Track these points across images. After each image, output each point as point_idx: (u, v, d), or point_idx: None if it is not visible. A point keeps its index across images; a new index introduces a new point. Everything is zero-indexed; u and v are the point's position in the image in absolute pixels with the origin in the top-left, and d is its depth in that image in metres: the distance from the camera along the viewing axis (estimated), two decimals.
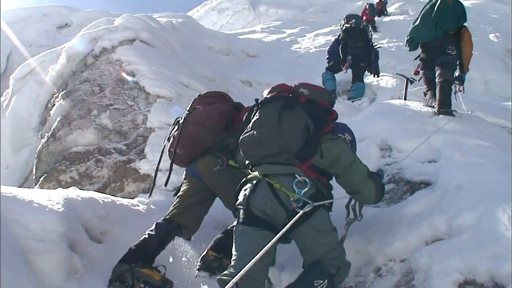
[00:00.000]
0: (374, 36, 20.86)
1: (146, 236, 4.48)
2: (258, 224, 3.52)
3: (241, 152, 3.86)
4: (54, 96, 10.88)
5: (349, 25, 12.19)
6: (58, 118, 9.34)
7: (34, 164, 9.19)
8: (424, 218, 3.85)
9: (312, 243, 3.54)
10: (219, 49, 18.10)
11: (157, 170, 5.39)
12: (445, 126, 5.98)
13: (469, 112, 7.80)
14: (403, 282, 3.58)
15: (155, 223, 4.63)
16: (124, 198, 6.65)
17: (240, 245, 3.54)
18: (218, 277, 3.33)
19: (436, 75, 7.14)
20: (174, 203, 4.93)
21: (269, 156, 3.60)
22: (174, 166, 5.13)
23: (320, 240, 3.53)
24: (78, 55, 11.65)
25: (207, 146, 4.72)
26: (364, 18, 23.54)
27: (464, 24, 7.48)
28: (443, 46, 7.23)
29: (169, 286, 4.19)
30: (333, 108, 3.97)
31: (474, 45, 7.58)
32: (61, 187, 7.52)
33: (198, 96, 5.24)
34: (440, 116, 6.64)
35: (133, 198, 6.63)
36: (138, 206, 5.75)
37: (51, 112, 10.02)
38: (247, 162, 3.85)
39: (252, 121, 3.78)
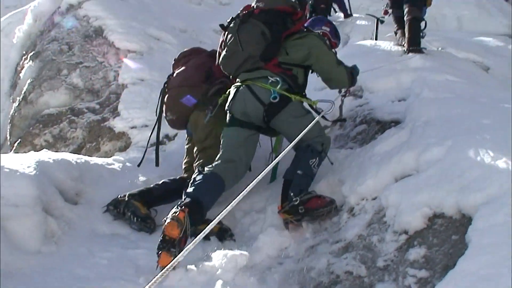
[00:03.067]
0: None
1: (155, 185, 4.78)
2: (241, 125, 4.31)
3: (224, 71, 4.60)
4: (23, 58, 10.67)
5: None
6: (29, 81, 9.23)
7: (8, 130, 9.11)
8: (393, 155, 3.88)
9: (293, 128, 4.14)
10: None
11: (158, 143, 5.46)
12: (414, 63, 5.99)
13: (440, 49, 7.79)
14: (375, 219, 3.62)
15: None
16: (101, 158, 6.62)
17: (227, 140, 4.32)
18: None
19: (405, 13, 7.08)
20: (184, 160, 5.14)
21: (240, 66, 4.36)
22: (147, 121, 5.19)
23: (299, 124, 4.06)
24: (44, 14, 11.40)
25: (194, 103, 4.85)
26: None
27: None
28: None
29: (149, 221, 4.44)
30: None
31: None
32: (36, 151, 7.48)
33: (174, 60, 5.46)
34: (410, 54, 6.62)
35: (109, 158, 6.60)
36: (113, 165, 5.70)
37: (20, 75, 9.88)
38: (231, 77, 4.60)
39: (223, 43, 4.50)
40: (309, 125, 3.86)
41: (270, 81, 4.18)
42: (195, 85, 4.88)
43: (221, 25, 4.63)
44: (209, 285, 3.45)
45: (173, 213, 3.59)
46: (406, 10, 7.05)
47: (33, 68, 9.45)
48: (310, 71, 4.64)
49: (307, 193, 3.95)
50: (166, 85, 5.11)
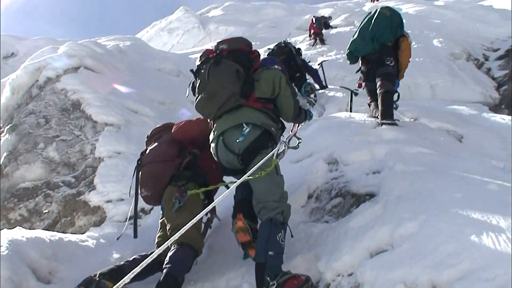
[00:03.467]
0: (323, 48, 21.20)
1: (126, 261, 4.61)
2: (232, 173, 4.59)
3: (201, 115, 4.74)
4: (0, 130, 10.64)
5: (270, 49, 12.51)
6: (5, 154, 9.17)
7: None
8: (367, 231, 3.88)
9: (257, 180, 4.15)
10: (169, 70, 18.03)
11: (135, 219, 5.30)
12: (388, 135, 6.10)
13: (412, 120, 7.95)
14: None
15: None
16: (75, 233, 6.54)
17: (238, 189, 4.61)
18: None
19: (377, 86, 7.27)
20: (158, 234, 5.00)
21: (222, 106, 4.42)
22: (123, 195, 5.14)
23: (263, 178, 4.14)
24: (22, 87, 11.50)
25: (169, 177, 4.83)
26: (312, 31, 23.94)
27: (403, 33, 7.62)
28: (381, 58, 7.35)
29: None
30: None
31: (418, 51, 7.77)
32: (10, 226, 7.37)
33: (147, 137, 5.56)
34: (383, 126, 6.74)
35: (84, 233, 6.52)
36: (87, 241, 5.63)
37: None
38: (208, 120, 4.69)
39: (197, 87, 4.59)
40: (261, 161, 3.96)
41: (244, 128, 4.31)
42: (168, 160, 4.91)
43: (191, 70, 4.75)
44: None
45: (234, 223, 4.35)
46: (378, 83, 7.24)
47: (10, 141, 9.42)
48: None
49: (283, 274, 3.89)
50: (139, 162, 5.12)
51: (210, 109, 4.51)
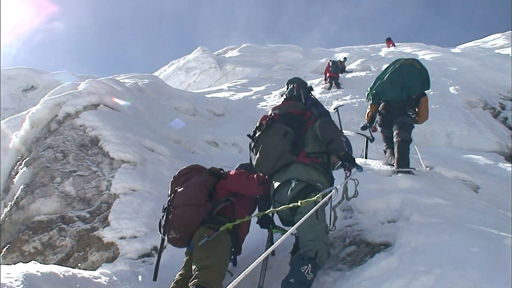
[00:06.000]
0: (338, 92, 21.31)
1: None
2: (283, 223, 5.13)
3: (259, 172, 5.26)
4: (18, 163, 10.76)
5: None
6: (21, 186, 9.22)
7: None
8: (382, 282, 3.85)
9: (299, 229, 4.36)
10: (186, 109, 18.22)
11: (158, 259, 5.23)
12: (404, 184, 6.10)
13: (428, 168, 7.95)
14: None
15: None
16: (87, 268, 6.54)
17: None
18: None
19: (394, 134, 7.30)
20: (179, 272, 4.94)
21: (275, 163, 5.02)
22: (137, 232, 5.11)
23: (308, 221, 4.15)
24: (41, 121, 11.66)
25: (200, 222, 4.82)
26: (327, 75, 24.13)
27: (425, 91, 7.69)
28: (405, 108, 7.42)
29: None
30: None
31: (434, 98, 7.91)
32: (24, 258, 7.39)
33: (173, 177, 5.52)
34: (399, 175, 6.75)
35: (96, 268, 6.52)
36: (100, 278, 5.63)
37: (14, 180, 9.87)
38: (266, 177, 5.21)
39: (254, 148, 5.36)
40: (307, 214, 3.78)
41: (292, 183, 4.72)
42: (200, 204, 4.89)
43: (248, 135, 5.52)
44: None
45: None
46: (395, 132, 7.28)
47: (27, 174, 9.49)
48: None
49: None
50: (169, 203, 5.07)
51: (266, 167, 5.13)
